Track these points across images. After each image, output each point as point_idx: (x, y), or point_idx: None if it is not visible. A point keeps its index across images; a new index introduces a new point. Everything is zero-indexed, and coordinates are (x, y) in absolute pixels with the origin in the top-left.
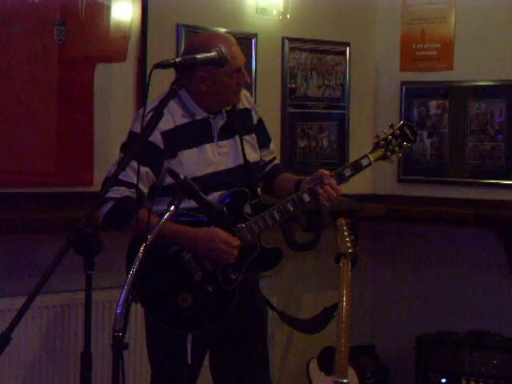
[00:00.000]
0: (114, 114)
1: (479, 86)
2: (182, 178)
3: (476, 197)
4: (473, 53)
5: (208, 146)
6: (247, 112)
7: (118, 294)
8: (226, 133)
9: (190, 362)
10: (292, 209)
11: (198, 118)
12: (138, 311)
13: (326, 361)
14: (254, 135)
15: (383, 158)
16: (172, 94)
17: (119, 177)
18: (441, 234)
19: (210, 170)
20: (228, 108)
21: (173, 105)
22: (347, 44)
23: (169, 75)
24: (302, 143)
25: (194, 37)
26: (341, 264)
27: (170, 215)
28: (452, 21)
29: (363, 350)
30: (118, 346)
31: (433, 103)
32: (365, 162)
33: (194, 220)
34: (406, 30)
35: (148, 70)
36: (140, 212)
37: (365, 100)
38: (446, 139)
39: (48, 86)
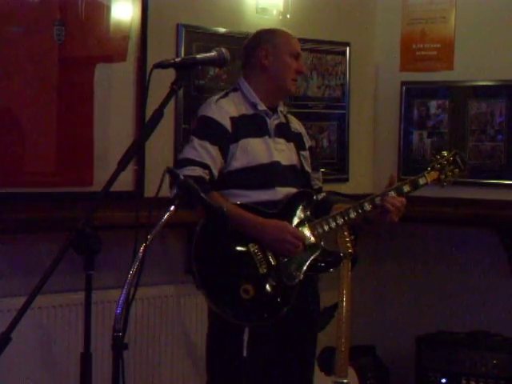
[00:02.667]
0: (114, 113)
1: (479, 85)
2: (182, 177)
3: (476, 197)
4: (473, 53)
5: (268, 139)
6: (300, 136)
7: (118, 294)
8: (281, 133)
9: (245, 355)
10: (354, 216)
11: (259, 108)
12: (137, 311)
13: (326, 361)
14: (307, 154)
15: (437, 180)
16: (172, 93)
17: (193, 158)
18: (441, 234)
19: (274, 158)
20: (283, 119)
21: (237, 96)
22: (347, 44)
23: (169, 75)
24: None
25: (253, 33)
26: (341, 264)
27: (170, 215)
28: (452, 21)
29: (363, 350)
30: (118, 346)
31: (433, 103)
32: (422, 180)
33: (260, 213)
34: (406, 30)
35: (148, 70)
36: (212, 194)
37: (365, 100)
38: (445, 139)
39: (48, 86)
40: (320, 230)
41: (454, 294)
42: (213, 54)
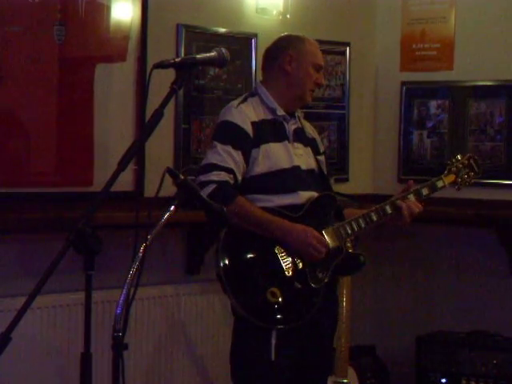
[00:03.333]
0: (114, 113)
1: (479, 85)
2: (182, 177)
3: (476, 197)
4: (473, 53)
5: (288, 144)
6: (314, 141)
7: (118, 294)
8: (299, 138)
9: (273, 358)
10: (375, 218)
11: (278, 114)
12: (137, 311)
13: None
14: (323, 158)
15: (454, 183)
16: (172, 93)
17: (218, 163)
18: (441, 234)
19: (295, 163)
20: (300, 124)
21: (255, 101)
22: (347, 44)
23: (169, 75)
24: None
25: (281, 36)
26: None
27: (169, 215)
28: (452, 21)
29: (363, 350)
30: (118, 346)
31: (433, 103)
32: (440, 183)
33: (285, 217)
34: (406, 30)
35: (148, 70)
36: (238, 198)
37: (365, 100)
38: (446, 139)
39: (48, 86)
40: (343, 234)
41: (453, 294)
42: (213, 54)
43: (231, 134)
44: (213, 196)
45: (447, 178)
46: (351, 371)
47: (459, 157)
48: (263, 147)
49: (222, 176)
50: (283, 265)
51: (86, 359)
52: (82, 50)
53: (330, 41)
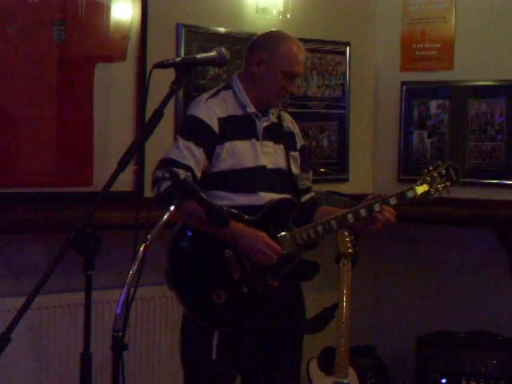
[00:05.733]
0: (114, 113)
1: (479, 85)
2: (182, 178)
3: (476, 197)
4: (473, 53)
5: (255, 142)
6: (292, 135)
7: (118, 294)
8: (270, 135)
9: (214, 357)
10: (335, 227)
11: (249, 111)
12: (138, 311)
13: (326, 361)
14: (297, 154)
15: (427, 193)
16: (172, 93)
17: (177, 159)
18: (441, 234)
19: (260, 163)
20: (275, 119)
21: (228, 95)
22: (347, 44)
23: (169, 75)
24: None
25: (263, 33)
26: (341, 264)
27: (170, 215)
28: (452, 21)
29: (363, 350)
30: (118, 346)
31: (433, 103)
32: (410, 193)
33: (239, 219)
34: (406, 29)
35: (148, 70)
36: (190, 201)
37: (365, 100)
38: (446, 139)
39: (48, 85)
40: (299, 240)
41: (453, 294)
42: (213, 53)
43: (195, 130)
44: (166, 193)
45: (419, 188)
46: (351, 371)
47: (438, 165)
48: (228, 144)
49: (180, 173)
50: (232, 267)
51: (85, 359)
52: (82, 49)
53: (330, 41)
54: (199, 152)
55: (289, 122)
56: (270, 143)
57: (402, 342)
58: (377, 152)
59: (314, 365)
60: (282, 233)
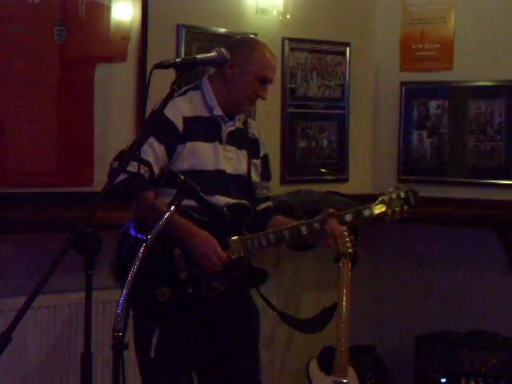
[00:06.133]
0: (114, 113)
1: (479, 86)
2: (182, 178)
3: (476, 197)
4: (473, 53)
5: (218, 145)
6: (256, 142)
7: (118, 294)
8: (234, 141)
9: (152, 356)
10: (287, 237)
11: (215, 113)
12: None
13: (326, 361)
14: (259, 162)
15: (384, 214)
16: (172, 93)
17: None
18: (441, 234)
19: (219, 166)
20: (240, 125)
21: (196, 96)
22: (347, 44)
23: (169, 75)
24: (301, 143)
25: (238, 37)
26: (341, 264)
27: (170, 215)
28: (452, 21)
29: (363, 350)
30: (118, 346)
31: (433, 103)
32: (366, 212)
33: (192, 218)
34: (406, 30)
35: (148, 70)
36: (147, 192)
37: (365, 100)
38: (445, 139)
39: (48, 86)
40: (250, 247)
41: (453, 293)
42: (213, 54)
43: (159, 127)
44: (120, 186)
45: (376, 208)
46: (351, 371)
47: (398, 188)
48: (190, 144)
49: (135, 167)
50: (179, 267)
51: (86, 359)
52: (82, 50)
53: (330, 41)
54: (160, 149)
55: (254, 129)
56: (233, 148)
57: (401, 341)
58: (376, 152)
59: (313, 365)
60: (233, 237)
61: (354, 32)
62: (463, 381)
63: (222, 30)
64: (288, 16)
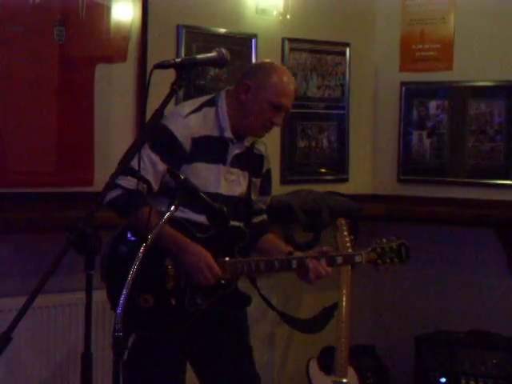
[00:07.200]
0: (115, 114)
1: (479, 86)
2: (182, 178)
3: (476, 197)
4: (472, 53)
5: (221, 167)
6: (261, 158)
7: None
8: (238, 162)
9: (124, 359)
10: (277, 267)
11: (225, 135)
12: None
13: (326, 361)
14: (259, 180)
15: (374, 263)
16: (172, 93)
17: (137, 169)
18: (441, 234)
19: (219, 190)
20: (248, 144)
21: (210, 113)
22: (347, 44)
23: (169, 75)
24: (301, 143)
25: (256, 62)
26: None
27: (170, 215)
28: (452, 21)
29: (363, 350)
30: (118, 346)
31: (432, 103)
32: (357, 258)
33: (189, 233)
34: (406, 30)
35: (148, 71)
36: (144, 209)
37: (365, 100)
38: (445, 139)
39: (48, 86)
40: (239, 270)
41: (453, 293)
42: (213, 54)
43: (165, 145)
44: (116, 201)
45: (368, 256)
46: (351, 371)
47: (392, 239)
48: (194, 165)
49: (133, 184)
50: (166, 276)
51: (86, 359)
52: (82, 50)
53: (330, 41)
54: (163, 167)
55: (260, 144)
56: (236, 170)
57: (401, 341)
58: (376, 152)
59: (313, 364)
60: (226, 258)
61: (354, 32)
62: (463, 381)
63: (222, 30)
64: (288, 16)
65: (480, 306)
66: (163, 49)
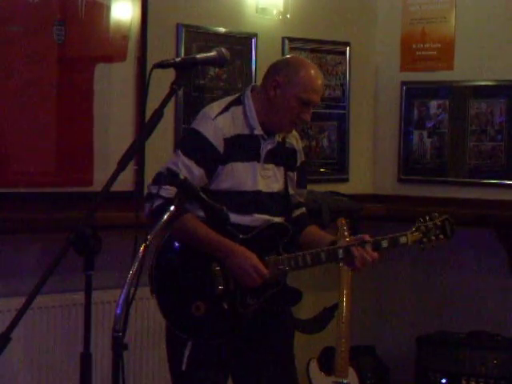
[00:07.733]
0: (114, 113)
1: (479, 85)
2: (182, 177)
3: (476, 197)
4: (473, 53)
5: (257, 165)
6: (294, 152)
7: (118, 294)
8: (272, 158)
9: (183, 368)
10: (324, 259)
11: (255, 133)
12: (137, 311)
13: (326, 361)
14: (295, 173)
15: (419, 242)
16: (172, 93)
17: (172, 175)
18: None
19: (256, 187)
20: (280, 138)
21: (238, 111)
22: (347, 44)
23: (169, 75)
24: (301, 143)
25: (285, 57)
26: (341, 264)
27: (170, 215)
28: (452, 21)
29: (363, 350)
30: (118, 346)
31: (433, 103)
32: (402, 239)
33: (231, 235)
34: (406, 29)
35: (148, 70)
36: (185, 216)
37: (365, 100)
38: (446, 139)
39: (48, 85)
40: (286, 267)
41: (454, 294)
42: (213, 53)
43: (199, 149)
44: (157, 212)
45: (413, 236)
46: (351, 371)
47: (434, 216)
48: (230, 165)
49: (173, 193)
50: (215, 282)
51: (85, 359)
52: (82, 49)
53: (330, 41)
54: (199, 171)
55: (293, 139)
56: (271, 166)
57: (402, 341)
58: (377, 152)
59: (313, 365)
60: (271, 256)
61: (355, 31)
62: (464, 381)
63: (222, 30)
64: (288, 16)
65: (480, 306)
66: (163, 48)
